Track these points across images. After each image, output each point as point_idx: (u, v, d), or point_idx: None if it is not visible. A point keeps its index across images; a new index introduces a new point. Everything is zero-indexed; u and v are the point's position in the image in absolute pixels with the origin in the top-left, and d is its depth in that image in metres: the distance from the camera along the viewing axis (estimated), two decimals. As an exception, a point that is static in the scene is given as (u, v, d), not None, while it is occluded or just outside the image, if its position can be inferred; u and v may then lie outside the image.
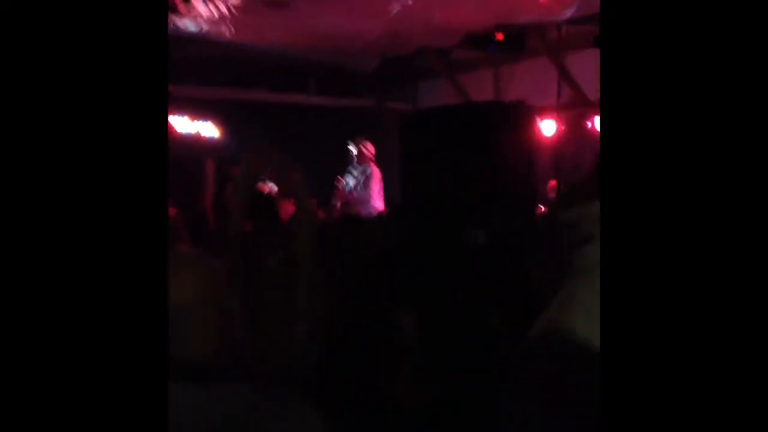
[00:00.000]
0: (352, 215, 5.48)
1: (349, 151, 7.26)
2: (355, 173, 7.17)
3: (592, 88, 7.99)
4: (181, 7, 6.65)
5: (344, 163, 7.41)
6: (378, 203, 6.88)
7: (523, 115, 3.91)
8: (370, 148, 7.16)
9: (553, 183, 6.77)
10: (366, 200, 6.87)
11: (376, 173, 7.04)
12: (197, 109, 8.97)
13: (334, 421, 1.39)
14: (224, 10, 6.86)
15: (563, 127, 7.41)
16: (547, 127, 7.28)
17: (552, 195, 6.70)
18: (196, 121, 9.23)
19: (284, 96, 9.41)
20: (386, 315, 2.42)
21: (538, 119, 6.92)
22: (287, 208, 6.66)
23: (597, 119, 7.34)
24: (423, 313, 2.46)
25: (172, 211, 6.70)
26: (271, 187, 8.03)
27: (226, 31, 7.66)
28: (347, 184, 7.15)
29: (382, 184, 6.98)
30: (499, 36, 7.26)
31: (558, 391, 0.69)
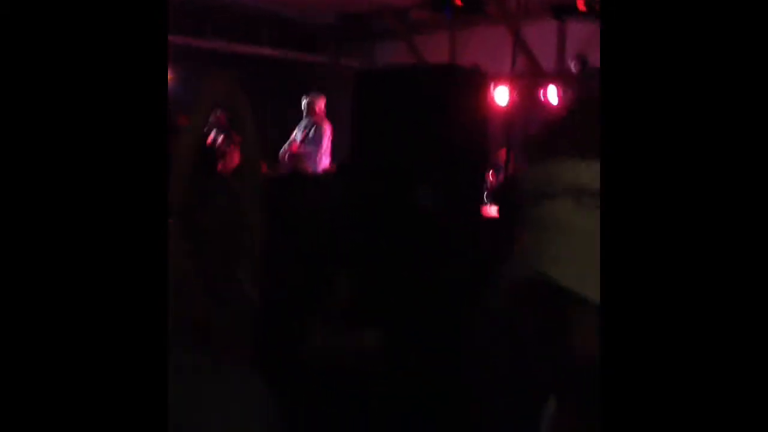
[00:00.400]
0: (299, 171, 5.44)
1: (300, 105, 7.19)
2: (304, 127, 7.11)
3: (546, 59, 8.04)
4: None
5: (297, 118, 7.34)
6: (326, 160, 6.84)
7: (477, 80, 3.91)
8: (321, 103, 7.10)
9: (502, 151, 6.81)
10: (315, 156, 6.83)
11: (327, 129, 6.99)
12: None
13: (272, 381, 1.39)
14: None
15: (516, 97, 7.43)
16: (501, 95, 7.30)
17: (501, 162, 6.75)
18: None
19: (238, 46, 9.22)
20: (326, 275, 2.42)
21: (491, 86, 6.94)
22: (234, 158, 6.59)
23: (550, 89, 7.38)
24: (365, 273, 2.46)
25: None
26: (218, 138, 7.92)
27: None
28: (295, 137, 7.09)
29: (330, 141, 6.94)
30: (458, 1, 7.22)
31: (554, 337, 0.69)
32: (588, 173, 0.67)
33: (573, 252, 0.66)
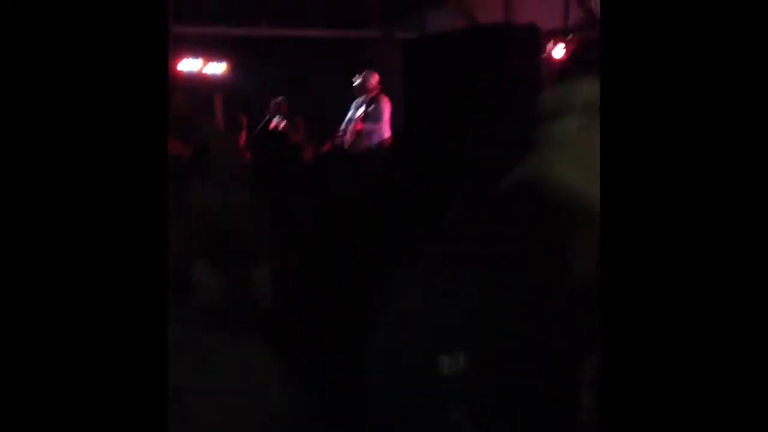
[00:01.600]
0: (337, 150, 5.44)
1: (355, 83, 7.19)
2: (363, 104, 7.10)
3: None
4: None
5: (353, 93, 7.35)
6: (388, 134, 6.83)
7: (533, 37, 3.80)
8: (374, 79, 7.08)
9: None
10: (377, 131, 6.82)
11: (386, 103, 6.97)
12: (202, 47, 8.86)
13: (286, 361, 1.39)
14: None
15: (571, 51, 7.24)
16: (558, 51, 7.12)
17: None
18: (201, 60, 9.15)
19: (288, 30, 9.27)
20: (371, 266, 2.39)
21: (548, 42, 6.77)
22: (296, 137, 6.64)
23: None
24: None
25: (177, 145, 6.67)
26: (280, 124, 8.01)
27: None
28: (353, 115, 7.10)
29: (390, 115, 6.92)
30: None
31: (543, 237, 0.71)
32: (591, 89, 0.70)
33: (575, 162, 0.71)
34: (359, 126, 7.05)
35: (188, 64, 9.04)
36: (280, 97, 8.19)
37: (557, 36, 7.10)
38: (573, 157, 0.72)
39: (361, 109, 7.11)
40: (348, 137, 6.96)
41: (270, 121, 8.15)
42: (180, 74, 8.95)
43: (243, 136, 7.99)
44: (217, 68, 9.33)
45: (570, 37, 7.14)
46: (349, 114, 7.17)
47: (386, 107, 6.95)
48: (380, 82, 7.11)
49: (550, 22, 7.25)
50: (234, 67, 9.33)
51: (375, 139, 6.72)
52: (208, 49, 8.98)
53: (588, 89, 0.72)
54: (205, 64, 9.15)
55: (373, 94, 7.07)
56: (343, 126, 7.16)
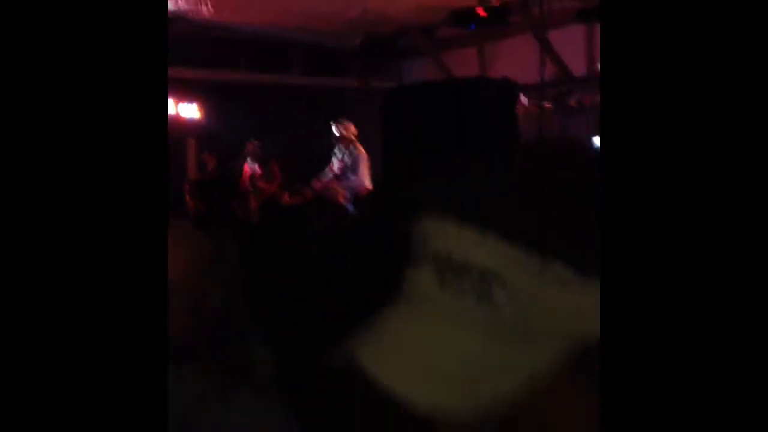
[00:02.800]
0: (325, 199, 5.42)
1: (331, 132, 7.21)
2: (340, 155, 7.12)
3: (576, 64, 7.95)
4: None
5: (328, 142, 7.36)
6: (366, 184, 6.83)
7: (507, 91, 3.85)
8: (352, 129, 7.11)
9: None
10: (353, 182, 6.83)
11: (362, 154, 6.99)
12: (178, 89, 8.88)
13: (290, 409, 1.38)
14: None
15: (548, 104, 7.37)
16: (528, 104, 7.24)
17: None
18: (177, 103, 9.16)
19: (266, 76, 9.32)
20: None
21: (522, 96, 6.87)
22: (267, 191, 6.61)
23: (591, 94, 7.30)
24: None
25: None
26: (254, 168, 7.99)
27: (205, 10, 7.56)
28: (335, 166, 7.11)
29: (369, 165, 6.93)
30: (481, 12, 7.18)
31: None
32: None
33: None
34: (334, 175, 7.06)
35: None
36: (255, 142, 8.19)
37: (532, 91, 7.22)
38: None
39: (336, 160, 7.13)
40: (323, 186, 6.96)
41: (242, 165, 8.14)
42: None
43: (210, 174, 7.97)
44: (191, 111, 9.34)
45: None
46: (333, 162, 7.19)
47: (362, 157, 6.97)
48: (356, 133, 7.14)
49: (525, 77, 7.38)
50: (208, 111, 9.34)
51: (349, 190, 6.73)
52: (182, 92, 8.99)
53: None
54: (176, 105, 9.14)
55: (350, 143, 7.10)
56: (319, 175, 7.17)
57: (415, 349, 0.54)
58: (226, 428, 1.27)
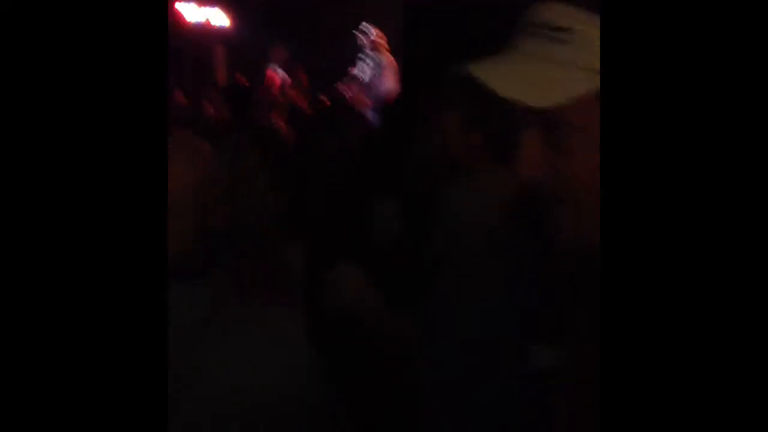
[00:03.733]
0: (353, 105, 5.38)
1: (358, 37, 7.11)
2: (369, 61, 7.01)
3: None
4: None
5: (356, 47, 7.24)
6: (391, 88, 6.74)
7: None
8: (378, 36, 6.99)
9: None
10: (378, 87, 6.76)
11: (389, 60, 6.88)
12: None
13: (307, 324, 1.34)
14: None
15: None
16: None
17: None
18: (204, 8, 9.08)
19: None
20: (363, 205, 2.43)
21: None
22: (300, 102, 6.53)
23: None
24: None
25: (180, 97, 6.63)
26: (279, 73, 7.91)
27: None
28: (360, 71, 7.02)
29: (396, 72, 6.82)
30: None
31: None
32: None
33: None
34: (359, 84, 6.98)
35: (185, 10, 8.94)
36: (281, 48, 8.04)
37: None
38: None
39: (362, 66, 7.03)
40: (348, 91, 6.92)
41: (265, 71, 8.02)
42: (184, 22, 8.88)
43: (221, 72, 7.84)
44: (220, 18, 9.27)
45: None
46: (361, 68, 7.08)
47: (388, 64, 6.88)
48: (383, 38, 7.02)
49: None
50: (235, 18, 9.23)
51: (373, 95, 6.66)
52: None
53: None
54: (199, 8, 9.03)
55: (375, 48, 6.99)
56: (344, 81, 7.10)
57: (520, 69, 0.79)
58: (236, 342, 1.23)
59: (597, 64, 0.73)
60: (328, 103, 5.38)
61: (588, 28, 0.76)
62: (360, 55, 7.06)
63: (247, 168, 1.39)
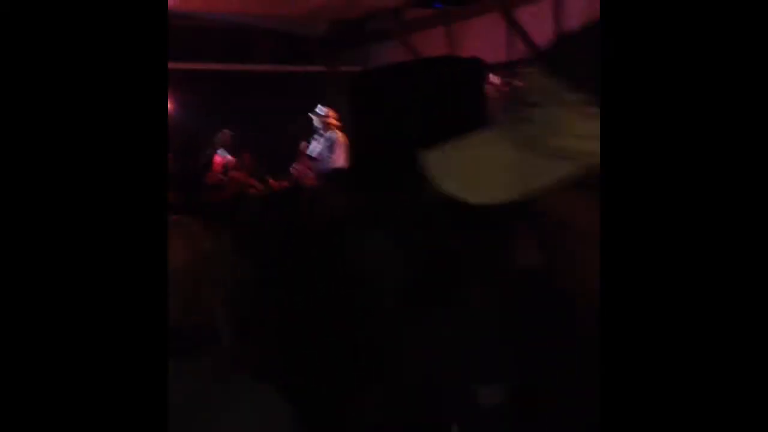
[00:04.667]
0: (292, 186, 5.44)
1: (311, 119, 7.22)
2: (320, 141, 7.13)
3: (544, 41, 7.96)
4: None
5: (302, 130, 7.36)
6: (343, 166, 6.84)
7: (475, 69, 3.86)
8: (331, 114, 7.13)
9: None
10: (328, 167, 6.84)
11: (340, 139, 7.00)
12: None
13: (295, 400, 1.37)
14: (166, -22, 6.69)
15: (519, 83, 7.38)
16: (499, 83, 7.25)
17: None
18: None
19: (234, 65, 9.27)
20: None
21: (492, 75, 6.88)
22: (237, 182, 6.57)
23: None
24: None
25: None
26: (225, 157, 7.94)
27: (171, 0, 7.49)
28: (313, 149, 7.13)
29: (347, 149, 6.93)
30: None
31: None
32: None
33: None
34: (305, 162, 7.07)
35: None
36: (226, 131, 8.15)
37: (500, 70, 7.23)
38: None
39: (314, 145, 7.14)
40: (300, 171, 6.97)
41: (212, 154, 8.10)
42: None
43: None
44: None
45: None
46: (313, 147, 7.21)
47: (339, 141, 6.98)
48: (335, 117, 7.15)
49: (493, 56, 7.39)
50: (178, 103, 9.27)
51: (324, 170, 6.75)
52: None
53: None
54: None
55: (328, 128, 7.11)
56: (296, 162, 7.18)
57: (467, 155, 0.71)
58: (226, 419, 1.27)
59: (570, 149, 0.65)
60: (276, 183, 5.39)
61: (560, 107, 0.65)
62: (314, 134, 7.19)
63: (223, 249, 1.46)
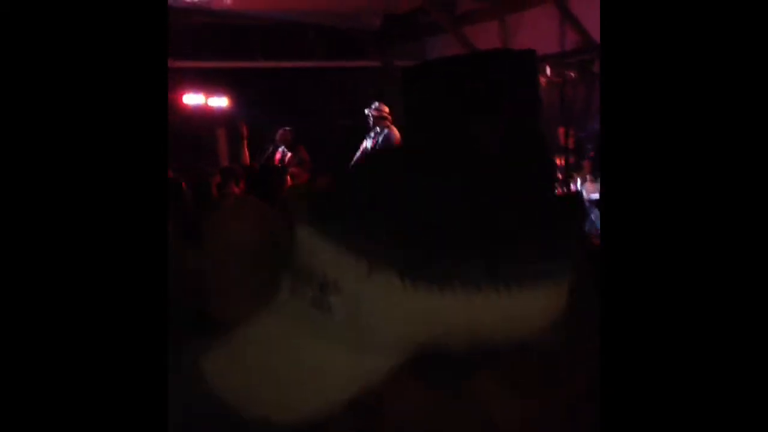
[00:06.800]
0: None
1: (366, 115, 7.24)
2: (374, 136, 7.14)
3: (598, 32, 7.86)
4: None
5: (356, 125, 7.39)
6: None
7: (528, 61, 3.86)
8: (384, 109, 7.13)
9: (561, 129, 6.74)
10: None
11: (393, 133, 7.01)
12: (204, 81, 8.98)
13: None
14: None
15: (572, 73, 7.33)
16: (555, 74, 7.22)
17: (562, 142, 6.67)
18: (204, 94, 9.28)
19: (289, 62, 9.37)
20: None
21: (546, 66, 6.85)
22: (302, 177, 6.65)
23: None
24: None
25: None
26: (286, 155, 8.04)
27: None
28: (367, 146, 7.14)
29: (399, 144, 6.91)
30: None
31: None
32: None
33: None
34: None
35: (191, 99, 9.16)
36: (285, 128, 8.24)
37: (555, 60, 7.19)
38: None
39: (369, 141, 7.15)
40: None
41: (275, 151, 8.20)
42: (185, 107, 9.04)
43: (245, 148, 8.06)
44: (220, 102, 9.45)
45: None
46: (366, 144, 7.22)
47: (393, 137, 6.99)
48: (388, 113, 7.16)
49: (546, 47, 7.35)
50: (236, 101, 9.43)
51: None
52: (210, 83, 9.09)
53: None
54: (206, 98, 9.28)
55: (383, 124, 7.12)
56: (354, 158, 7.20)
57: (255, 357, 0.55)
58: None
59: (392, 335, 0.52)
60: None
61: (362, 285, 0.52)
62: (369, 131, 7.20)
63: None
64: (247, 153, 8.19)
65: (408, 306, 0.51)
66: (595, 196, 5.66)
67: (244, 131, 8.18)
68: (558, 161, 6.58)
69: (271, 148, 8.18)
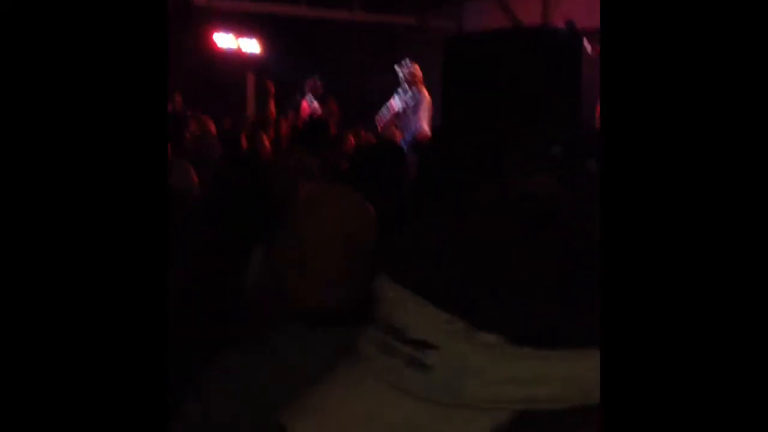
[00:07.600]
0: (390, 139, 5.40)
1: (396, 72, 7.14)
2: (404, 96, 7.05)
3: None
4: None
5: (385, 81, 7.31)
6: (424, 126, 6.78)
7: (572, 41, 3.78)
8: (417, 71, 7.02)
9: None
10: (412, 123, 6.78)
11: (425, 98, 6.91)
12: (238, 24, 8.90)
13: None
14: None
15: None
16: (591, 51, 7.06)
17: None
18: (237, 37, 9.20)
19: (324, 12, 9.25)
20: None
21: (586, 42, 6.70)
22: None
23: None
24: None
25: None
26: (312, 104, 7.99)
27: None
28: (396, 104, 7.06)
29: (431, 108, 6.84)
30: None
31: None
32: None
33: None
34: (394, 116, 7.02)
35: (221, 39, 9.08)
36: (315, 78, 8.15)
37: (595, 35, 7.04)
38: None
39: (398, 99, 7.06)
40: (383, 127, 6.93)
41: (301, 100, 8.14)
42: (216, 49, 8.98)
43: (272, 104, 7.99)
44: (251, 45, 9.37)
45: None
46: (390, 102, 7.14)
47: (424, 100, 6.90)
48: (420, 74, 7.06)
49: (588, 19, 7.18)
50: (267, 47, 9.35)
51: (407, 131, 6.69)
52: (242, 25, 9.01)
53: None
54: (236, 39, 9.19)
55: (414, 85, 7.02)
56: (381, 112, 7.12)
57: (346, 416, 0.54)
58: None
59: (490, 398, 0.51)
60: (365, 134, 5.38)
61: (466, 347, 0.51)
62: (398, 88, 7.11)
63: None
64: (273, 110, 8.11)
65: (513, 366, 0.51)
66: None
67: (271, 88, 8.10)
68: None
69: (299, 98, 8.12)
